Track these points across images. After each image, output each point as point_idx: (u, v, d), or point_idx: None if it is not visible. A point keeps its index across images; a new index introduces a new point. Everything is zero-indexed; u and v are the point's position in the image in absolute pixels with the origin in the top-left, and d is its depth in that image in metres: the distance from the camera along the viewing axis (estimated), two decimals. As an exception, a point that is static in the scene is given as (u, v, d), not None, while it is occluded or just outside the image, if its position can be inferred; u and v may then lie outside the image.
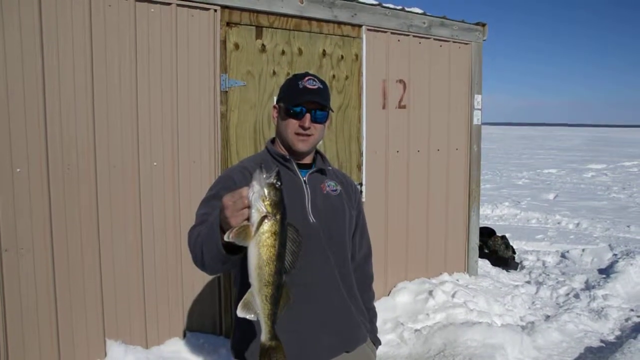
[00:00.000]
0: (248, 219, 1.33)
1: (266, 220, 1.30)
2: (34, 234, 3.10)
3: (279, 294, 1.38)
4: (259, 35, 3.90)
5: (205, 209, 1.74)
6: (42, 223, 3.12)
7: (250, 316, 1.39)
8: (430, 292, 4.70)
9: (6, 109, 2.97)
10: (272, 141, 1.97)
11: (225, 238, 1.33)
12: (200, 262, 1.58)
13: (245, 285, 1.88)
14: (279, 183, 1.32)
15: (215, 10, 3.66)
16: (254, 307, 1.38)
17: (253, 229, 1.30)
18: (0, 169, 2.98)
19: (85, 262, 3.29)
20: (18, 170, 3.02)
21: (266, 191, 1.30)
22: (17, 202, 3.03)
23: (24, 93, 3.01)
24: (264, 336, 1.41)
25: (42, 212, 3.11)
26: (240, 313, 1.39)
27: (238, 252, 1.41)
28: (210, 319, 3.82)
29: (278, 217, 1.31)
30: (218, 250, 1.45)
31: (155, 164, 3.51)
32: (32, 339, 3.12)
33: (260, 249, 1.31)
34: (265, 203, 1.30)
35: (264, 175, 1.31)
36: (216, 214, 1.44)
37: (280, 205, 1.32)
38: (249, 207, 1.32)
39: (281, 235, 1.33)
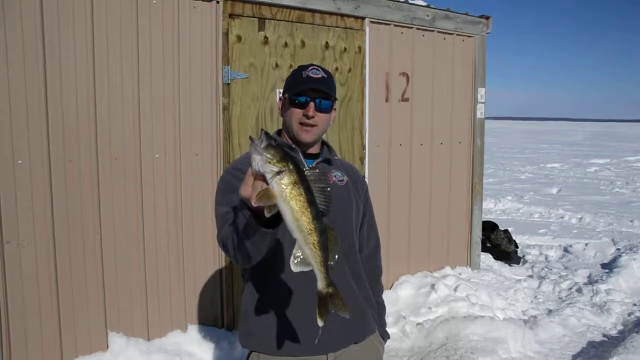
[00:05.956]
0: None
1: (282, 175, 1.30)
2: (36, 226, 3.09)
3: (325, 239, 1.37)
4: (261, 27, 3.87)
5: (225, 206, 1.73)
6: (44, 215, 3.11)
7: (305, 268, 1.39)
8: (433, 286, 4.70)
9: (7, 101, 2.96)
10: (279, 133, 1.97)
11: (254, 204, 1.32)
12: (244, 255, 1.55)
13: (255, 275, 1.86)
14: (273, 141, 1.32)
15: (218, 2, 3.64)
16: (306, 258, 1.38)
17: (274, 188, 1.30)
18: (2, 161, 2.97)
19: (87, 254, 3.28)
20: (19, 162, 3.02)
21: (266, 154, 1.30)
22: (18, 194, 3.02)
23: (25, 84, 3.00)
24: (320, 283, 1.42)
25: (43, 204, 3.10)
26: (294, 268, 1.39)
27: (279, 222, 1.40)
28: (212, 311, 3.82)
29: (291, 166, 1.30)
30: (255, 230, 1.43)
31: (157, 156, 3.50)
32: (34, 331, 3.12)
33: (289, 203, 1.31)
34: (272, 163, 1.30)
35: (257, 143, 1.32)
36: (242, 213, 1.45)
37: (287, 157, 1.31)
38: (264, 180, 1.32)
39: (303, 182, 1.32)
